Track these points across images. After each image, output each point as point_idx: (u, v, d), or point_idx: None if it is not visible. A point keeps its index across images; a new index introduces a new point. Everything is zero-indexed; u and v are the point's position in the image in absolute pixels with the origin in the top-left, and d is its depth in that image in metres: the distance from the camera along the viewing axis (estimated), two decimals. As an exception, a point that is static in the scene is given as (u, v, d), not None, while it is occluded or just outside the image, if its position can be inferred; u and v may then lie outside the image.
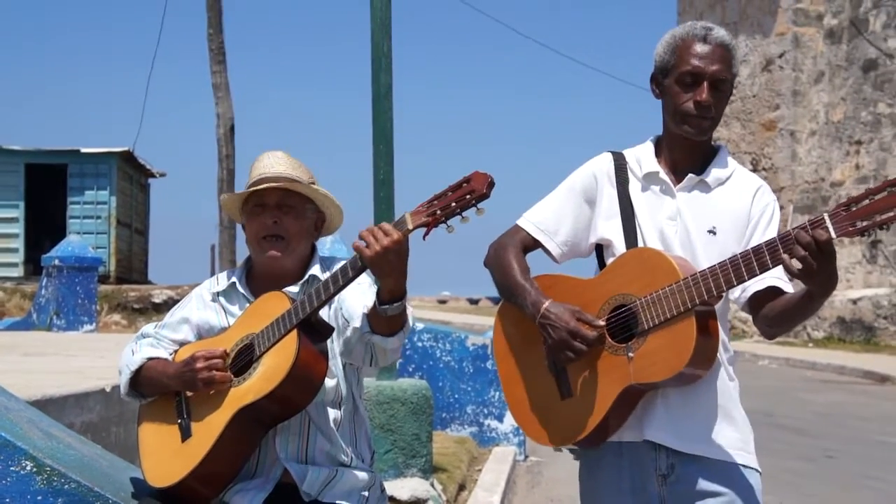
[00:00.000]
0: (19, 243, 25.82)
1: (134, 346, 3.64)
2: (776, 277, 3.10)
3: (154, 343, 3.63)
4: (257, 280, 3.60)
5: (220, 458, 3.35)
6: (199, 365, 3.37)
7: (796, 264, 2.81)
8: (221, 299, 3.63)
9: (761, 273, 2.92)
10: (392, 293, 3.15)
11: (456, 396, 10.82)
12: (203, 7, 23.33)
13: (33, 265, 23.31)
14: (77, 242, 17.90)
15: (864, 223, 2.73)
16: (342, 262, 3.29)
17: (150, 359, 3.56)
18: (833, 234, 2.76)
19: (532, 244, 3.32)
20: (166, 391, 3.53)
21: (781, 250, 2.84)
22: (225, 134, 23.08)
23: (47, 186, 26.01)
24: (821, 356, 22.59)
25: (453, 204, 3.06)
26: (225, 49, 23.42)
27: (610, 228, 3.25)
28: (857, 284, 26.27)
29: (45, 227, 25.55)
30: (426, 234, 3.10)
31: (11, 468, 3.49)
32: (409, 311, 3.29)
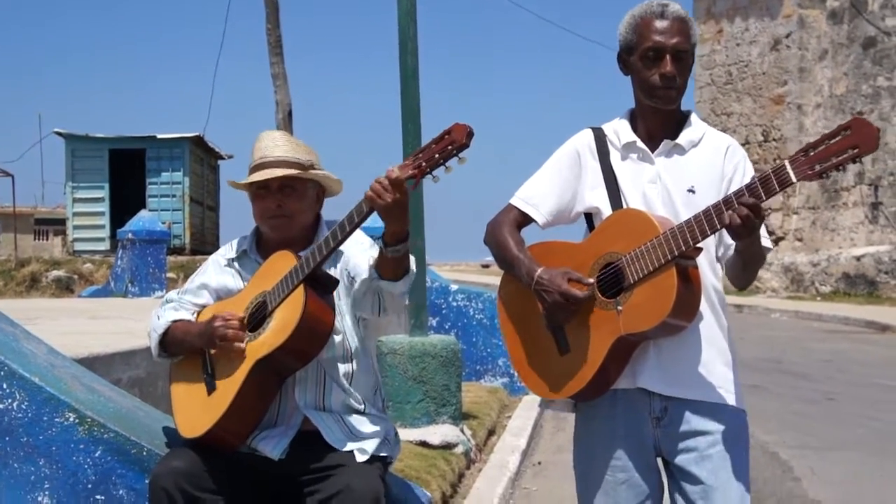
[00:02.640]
0: (105, 220, 26.14)
1: (159, 311, 3.59)
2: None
3: (177, 307, 3.58)
4: (267, 248, 3.53)
5: (242, 408, 3.30)
6: (217, 323, 3.32)
7: (737, 220, 2.77)
8: (236, 264, 3.58)
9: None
10: (396, 234, 3.11)
11: (489, 350, 10.80)
12: (262, 4, 23.30)
13: (117, 239, 23.59)
14: (148, 217, 18.01)
15: (822, 166, 2.67)
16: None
17: (175, 321, 3.51)
18: (794, 179, 2.69)
19: (523, 219, 3.27)
20: (192, 349, 3.47)
21: (748, 195, 2.77)
22: (283, 119, 23.01)
23: (128, 169, 26.28)
24: (827, 308, 22.38)
25: (436, 155, 2.99)
26: (282, 41, 23.35)
27: (596, 197, 3.18)
28: (861, 242, 25.99)
29: (127, 205, 25.76)
30: (414, 185, 3.04)
31: (56, 419, 3.47)
32: (412, 259, 3.24)
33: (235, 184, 3.54)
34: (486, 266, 50.53)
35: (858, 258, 25.22)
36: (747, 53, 28.90)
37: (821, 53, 27.41)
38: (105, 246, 25.64)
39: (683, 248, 2.87)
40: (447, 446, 6.86)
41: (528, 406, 9.59)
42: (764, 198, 2.76)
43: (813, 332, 18.55)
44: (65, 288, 20.46)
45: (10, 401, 3.47)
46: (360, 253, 3.37)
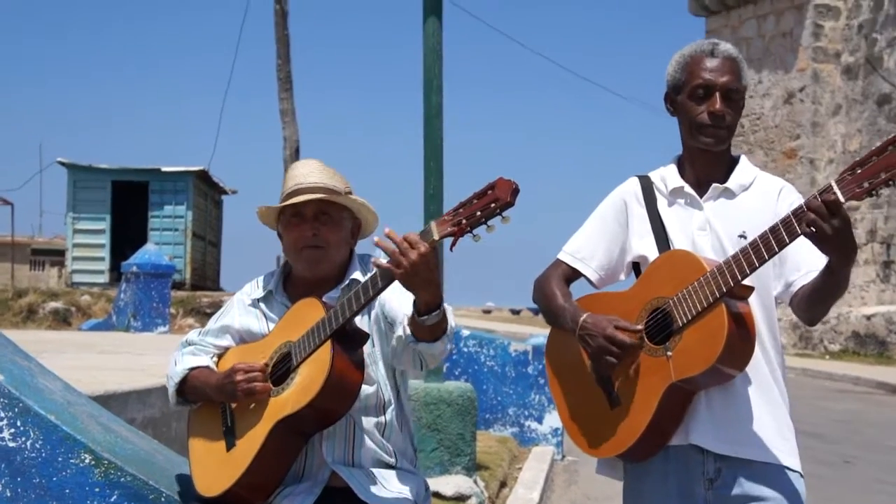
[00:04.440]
0: (105, 252, 26.20)
1: (178, 355, 3.40)
2: (818, 268, 2.89)
3: (196, 351, 3.39)
4: (296, 285, 3.33)
5: (263, 468, 3.12)
6: (239, 377, 3.12)
7: (808, 229, 2.62)
8: (262, 305, 3.37)
9: (779, 249, 2.70)
10: (428, 304, 2.87)
11: (499, 399, 10.67)
12: (272, 39, 23.35)
13: (117, 272, 23.49)
14: (153, 251, 17.94)
15: (871, 182, 2.55)
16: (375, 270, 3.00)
17: (193, 368, 3.32)
18: (841, 198, 2.57)
19: (572, 274, 3.19)
20: (210, 401, 3.30)
21: (796, 223, 2.65)
22: (291, 155, 23.02)
23: (130, 201, 26.35)
24: (837, 367, 22.22)
25: (478, 213, 2.76)
26: (292, 77, 23.39)
27: (644, 245, 3.10)
28: (871, 302, 25.88)
29: (128, 238, 25.72)
30: (453, 244, 2.82)
31: (71, 460, 3.32)
32: (450, 313, 3.00)
33: (265, 211, 3.34)
34: (487, 311, 50.44)
35: (869, 317, 25.09)
36: (760, 106, 28.97)
37: (834, 108, 27.46)
38: (104, 279, 25.61)
39: (732, 283, 2.76)
40: (460, 498, 6.74)
41: (539, 457, 9.45)
42: (817, 221, 2.61)
43: (824, 391, 18.39)
44: (62, 320, 20.38)
45: (23, 439, 3.32)
46: (397, 299, 3.15)
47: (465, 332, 10.97)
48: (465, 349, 10.69)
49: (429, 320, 2.88)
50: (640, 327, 2.92)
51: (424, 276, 2.81)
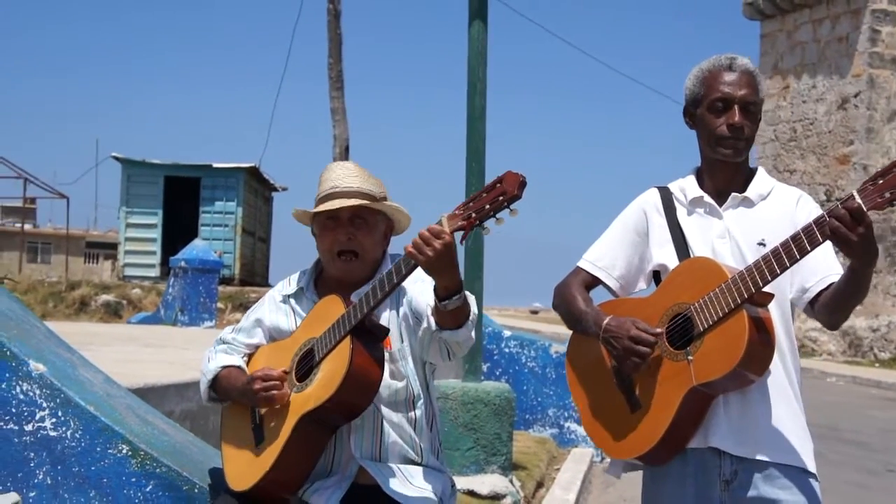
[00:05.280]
0: (157, 247, 26.39)
1: (211, 353, 3.48)
2: (834, 273, 2.98)
3: (228, 350, 3.47)
4: (328, 284, 3.41)
5: (289, 462, 3.20)
6: (257, 386, 3.21)
7: (832, 236, 2.68)
8: (292, 301, 3.45)
9: (801, 257, 2.76)
10: (448, 289, 2.97)
11: (539, 399, 10.69)
12: (325, 38, 23.53)
13: (168, 266, 23.78)
14: (201, 246, 18.09)
15: (892, 192, 2.61)
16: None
17: (224, 367, 3.40)
18: (864, 207, 2.63)
19: (592, 282, 3.27)
20: (238, 401, 3.39)
21: (817, 231, 2.71)
22: (340, 153, 23.19)
23: (182, 197, 26.52)
24: (886, 376, 21.93)
25: (487, 206, 2.85)
26: (343, 76, 23.55)
27: (664, 254, 3.16)
28: (923, 310, 25.51)
29: (179, 233, 25.96)
30: (463, 237, 2.91)
31: (109, 451, 3.44)
32: (471, 299, 3.09)
33: (301, 213, 3.42)
34: (535, 312, 50.29)
35: (920, 325, 24.78)
36: (813, 111, 28.67)
37: (890, 115, 27.12)
38: (155, 272, 25.86)
39: (753, 290, 2.82)
40: (496, 497, 6.77)
41: (578, 459, 9.45)
42: (840, 228, 2.66)
43: (871, 400, 18.16)
44: (113, 313, 20.64)
45: (64, 429, 3.44)
46: (422, 290, 3.23)
47: (507, 333, 10.99)
48: (507, 350, 10.72)
49: (450, 304, 2.98)
50: (659, 330, 2.98)
51: (445, 261, 2.90)
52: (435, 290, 3.00)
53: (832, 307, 2.97)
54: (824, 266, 3.00)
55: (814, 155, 28.48)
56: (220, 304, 18.39)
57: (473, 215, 2.87)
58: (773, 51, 30.12)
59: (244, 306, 21.11)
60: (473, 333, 3.13)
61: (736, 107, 3.07)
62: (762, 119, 3.20)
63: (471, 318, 3.09)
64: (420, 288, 3.23)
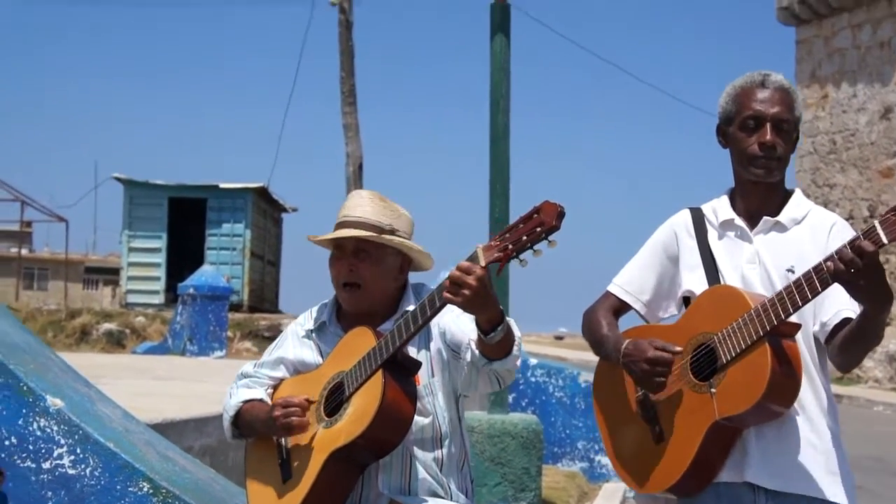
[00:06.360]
0: (161, 272, 26.41)
1: (233, 388, 3.56)
2: (849, 309, 3.01)
3: (250, 384, 3.54)
4: (349, 316, 3.48)
5: (318, 500, 3.26)
6: (277, 413, 3.29)
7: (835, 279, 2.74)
8: (314, 336, 3.53)
9: (822, 289, 2.82)
10: (491, 321, 3.05)
11: (567, 432, 10.65)
12: (336, 51, 23.68)
13: (173, 293, 23.78)
14: (210, 272, 18.18)
15: None
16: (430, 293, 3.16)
17: (247, 401, 3.48)
18: (885, 240, 2.67)
19: (621, 307, 3.35)
20: (261, 434, 3.45)
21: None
22: (354, 172, 23.23)
23: (188, 219, 26.56)
24: (935, 403, 21.77)
25: (524, 237, 2.88)
26: (356, 91, 23.66)
27: (694, 280, 3.23)
28: (974, 332, 25.38)
29: (184, 257, 26.03)
30: (500, 269, 2.95)
31: (130, 489, 3.51)
32: (513, 324, 3.15)
33: (314, 239, 3.51)
34: (559, 338, 50.14)
35: (971, 349, 24.65)
36: (854, 121, 28.63)
37: (935, 124, 27.06)
38: (159, 299, 25.88)
39: (776, 321, 2.88)
40: (525, 535, 6.81)
41: (609, 494, 9.45)
42: (859, 263, 2.71)
43: (919, 428, 18.09)
44: (116, 342, 20.67)
45: (83, 466, 3.52)
46: (457, 325, 3.31)
47: (533, 361, 10.98)
48: (533, 379, 10.69)
49: (496, 336, 3.05)
50: (679, 348, 3.05)
51: (482, 297, 2.96)
52: (477, 323, 3.06)
53: (841, 347, 3.03)
54: (841, 299, 3.00)
55: (855, 168, 28.42)
56: (228, 333, 18.45)
57: (510, 247, 2.91)
58: (810, 58, 30.08)
59: (254, 334, 21.17)
60: (519, 357, 3.22)
61: (768, 125, 3.12)
62: (800, 130, 3.25)
63: (517, 342, 3.17)
64: (455, 319, 3.30)
